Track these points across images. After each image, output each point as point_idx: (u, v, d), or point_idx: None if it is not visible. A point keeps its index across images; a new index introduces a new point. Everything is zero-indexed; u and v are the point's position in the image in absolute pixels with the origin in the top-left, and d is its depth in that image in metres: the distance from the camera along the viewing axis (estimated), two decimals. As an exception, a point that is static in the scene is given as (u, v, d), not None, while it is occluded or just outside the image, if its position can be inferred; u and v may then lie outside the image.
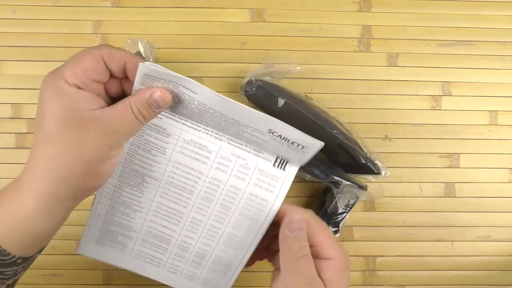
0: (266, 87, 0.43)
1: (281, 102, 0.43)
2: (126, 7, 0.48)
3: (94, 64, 0.25)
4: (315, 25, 0.49)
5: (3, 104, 0.47)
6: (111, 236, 0.35)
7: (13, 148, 0.46)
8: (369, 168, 0.43)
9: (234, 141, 0.32)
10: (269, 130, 0.29)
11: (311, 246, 0.30)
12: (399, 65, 0.48)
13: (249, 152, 0.32)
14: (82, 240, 0.35)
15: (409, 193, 0.47)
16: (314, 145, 0.30)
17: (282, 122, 0.29)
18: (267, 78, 0.44)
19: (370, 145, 0.46)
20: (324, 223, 0.32)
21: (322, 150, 0.44)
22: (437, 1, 0.49)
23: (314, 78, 0.48)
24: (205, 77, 0.47)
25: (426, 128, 0.48)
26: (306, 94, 0.46)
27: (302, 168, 0.44)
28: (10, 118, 0.47)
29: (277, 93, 0.43)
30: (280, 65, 0.46)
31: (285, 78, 0.47)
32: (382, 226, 0.47)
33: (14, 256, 0.26)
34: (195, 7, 0.48)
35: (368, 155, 0.44)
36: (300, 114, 0.43)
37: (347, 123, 0.46)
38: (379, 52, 0.48)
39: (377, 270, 0.47)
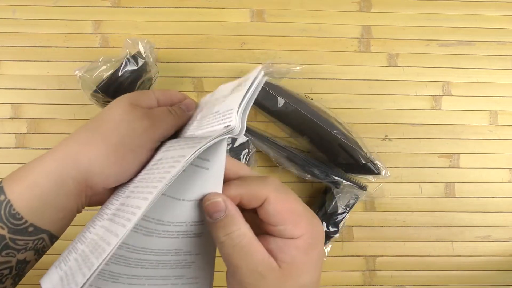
0: (266, 87, 0.43)
1: (281, 102, 0.43)
2: (126, 7, 0.48)
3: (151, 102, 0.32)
4: (315, 25, 0.49)
5: (3, 104, 0.47)
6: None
7: (13, 148, 0.46)
8: (369, 168, 0.43)
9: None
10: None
11: (274, 225, 0.25)
12: (399, 65, 0.48)
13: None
14: None
15: (409, 193, 0.47)
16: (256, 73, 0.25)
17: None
18: (267, 78, 0.44)
19: (370, 145, 0.46)
20: (291, 194, 0.26)
21: (322, 150, 0.44)
22: (437, 1, 0.49)
23: (314, 78, 0.48)
24: (205, 77, 0.47)
25: (426, 128, 0.48)
26: (306, 94, 0.46)
27: (302, 168, 0.44)
28: (10, 118, 0.47)
29: (277, 93, 0.43)
30: (280, 65, 0.46)
31: (285, 78, 0.47)
32: (382, 226, 0.47)
33: (26, 222, 0.27)
34: (195, 7, 0.48)
35: (368, 155, 0.44)
36: (300, 114, 0.43)
37: (347, 123, 0.46)
38: (379, 52, 0.48)
39: (377, 270, 0.47)
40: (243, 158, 0.42)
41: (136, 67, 0.40)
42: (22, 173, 0.28)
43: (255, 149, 0.44)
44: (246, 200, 0.25)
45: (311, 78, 0.48)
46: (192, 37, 0.48)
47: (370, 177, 0.45)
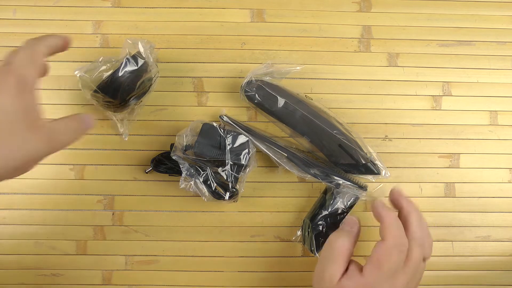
0: (266, 87, 0.43)
1: (281, 102, 0.43)
2: (126, 7, 0.48)
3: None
4: (315, 25, 0.49)
5: (3, 104, 0.47)
6: None
7: (13, 148, 0.46)
8: (369, 168, 0.43)
9: None
10: None
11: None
12: (399, 65, 0.48)
13: None
14: None
15: (409, 193, 0.47)
16: None
17: None
18: (267, 78, 0.44)
19: (370, 145, 0.46)
20: (391, 235, 0.35)
21: (322, 150, 0.44)
22: (437, 1, 0.49)
23: (314, 78, 0.48)
24: (205, 77, 0.47)
25: (426, 128, 0.48)
26: (306, 94, 0.46)
27: (302, 168, 0.44)
28: (10, 118, 0.47)
29: (277, 93, 0.43)
30: (280, 65, 0.46)
31: (285, 78, 0.47)
32: (382, 226, 0.47)
33: None
34: (195, 7, 0.48)
35: (368, 155, 0.44)
36: (300, 114, 0.43)
37: (347, 123, 0.46)
38: (379, 52, 0.48)
39: (377, 270, 0.47)
40: (243, 158, 0.42)
41: (136, 67, 0.40)
42: None
43: (255, 149, 0.44)
44: None
45: (311, 78, 0.48)
46: (192, 37, 0.48)
47: (370, 177, 0.45)
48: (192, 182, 0.42)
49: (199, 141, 0.42)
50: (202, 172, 0.42)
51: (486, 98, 0.48)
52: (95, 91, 0.40)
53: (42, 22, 0.48)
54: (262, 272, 0.46)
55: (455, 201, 0.47)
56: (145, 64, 0.41)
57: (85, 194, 0.46)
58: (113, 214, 0.46)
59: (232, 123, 0.45)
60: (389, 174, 0.45)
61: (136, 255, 0.46)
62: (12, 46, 0.47)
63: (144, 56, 0.41)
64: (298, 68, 0.45)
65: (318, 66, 0.48)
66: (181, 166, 0.42)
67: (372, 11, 0.49)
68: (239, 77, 0.47)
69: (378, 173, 0.44)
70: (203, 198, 0.42)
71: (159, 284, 0.46)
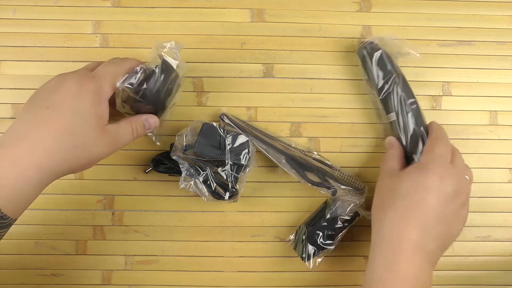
0: (384, 55, 0.44)
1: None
2: (126, 7, 0.48)
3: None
4: (315, 25, 0.49)
5: (3, 104, 0.47)
6: None
7: (13, 148, 0.46)
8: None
9: None
10: None
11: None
12: (399, 65, 0.48)
13: None
14: None
15: (409, 193, 0.47)
16: None
17: None
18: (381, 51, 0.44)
19: (371, 145, 0.46)
20: (439, 135, 0.41)
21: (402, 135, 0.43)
22: (437, 1, 0.49)
23: (314, 78, 0.48)
24: (205, 77, 0.47)
25: (426, 128, 0.48)
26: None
27: (299, 173, 0.44)
28: (10, 118, 0.47)
29: (391, 65, 0.43)
30: (403, 42, 0.45)
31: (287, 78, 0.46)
32: (382, 226, 0.47)
33: (9, 219, 0.31)
34: (195, 7, 0.48)
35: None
36: (398, 95, 0.43)
37: (347, 123, 0.46)
38: (379, 52, 0.48)
39: (377, 270, 0.47)
40: (243, 158, 0.42)
41: (174, 70, 0.39)
42: (8, 175, 0.31)
43: (255, 149, 0.44)
44: None
45: (311, 78, 0.48)
46: (192, 37, 0.48)
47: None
48: (192, 182, 0.42)
49: (199, 141, 0.42)
50: (202, 172, 0.42)
51: (486, 98, 0.48)
52: (137, 100, 0.38)
53: (42, 22, 0.48)
54: (262, 272, 0.46)
55: (455, 201, 0.47)
56: (179, 65, 0.40)
57: (85, 194, 0.46)
58: (113, 214, 0.46)
59: (232, 123, 0.45)
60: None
61: (136, 255, 0.46)
62: (12, 46, 0.47)
63: (177, 57, 0.39)
64: (418, 55, 0.44)
65: (318, 66, 0.48)
66: (181, 166, 0.42)
67: (372, 11, 0.49)
68: (239, 77, 0.47)
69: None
70: (203, 198, 0.42)
71: (159, 284, 0.46)
